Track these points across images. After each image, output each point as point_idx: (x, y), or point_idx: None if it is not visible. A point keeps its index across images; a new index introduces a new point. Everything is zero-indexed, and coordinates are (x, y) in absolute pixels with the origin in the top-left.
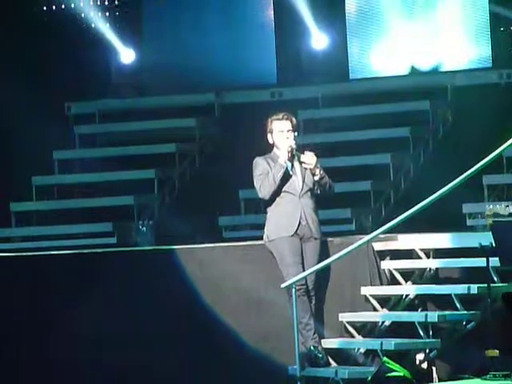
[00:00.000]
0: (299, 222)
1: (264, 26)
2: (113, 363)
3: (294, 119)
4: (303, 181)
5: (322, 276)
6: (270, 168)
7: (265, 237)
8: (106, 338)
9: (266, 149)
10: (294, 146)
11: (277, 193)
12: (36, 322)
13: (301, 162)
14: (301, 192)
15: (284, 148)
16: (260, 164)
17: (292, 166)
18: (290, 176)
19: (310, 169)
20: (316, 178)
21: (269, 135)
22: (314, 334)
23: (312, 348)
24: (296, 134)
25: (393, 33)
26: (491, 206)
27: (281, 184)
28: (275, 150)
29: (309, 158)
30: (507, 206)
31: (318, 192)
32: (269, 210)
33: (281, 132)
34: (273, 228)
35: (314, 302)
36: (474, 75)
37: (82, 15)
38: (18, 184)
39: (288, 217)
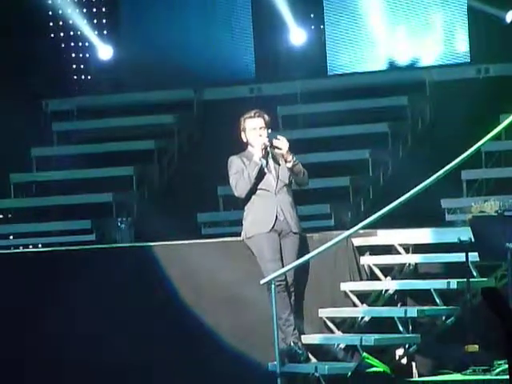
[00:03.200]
0: (276, 218)
1: (242, 22)
2: (90, 361)
3: (266, 116)
4: (278, 177)
5: (302, 272)
6: (244, 166)
7: (243, 234)
8: (84, 336)
9: (245, 145)
10: (268, 144)
11: (252, 190)
12: (13, 320)
13: (274, 159)
14: (276, 188)
15: (258, 146)
16: (234, 163)
17: (267, 162)
18: (265, 173)
19: (283, 154)
20: (289, 164)
21: (242, 133)
22: (294, 329)
23: (292, 344)
24: (269, 130)
25: (371, 28)
26: (479, 203)
27: (256, 182)
28: (249, 147)
29: (281, 142)
30: (490, 201)
31: (293, 182)
32: (245, 207)
33: (253, 130)
34: (250, 225)
35: (293, 297)
36: (453, 70)
37: (60, 11)
38: None
39: (264, 213)
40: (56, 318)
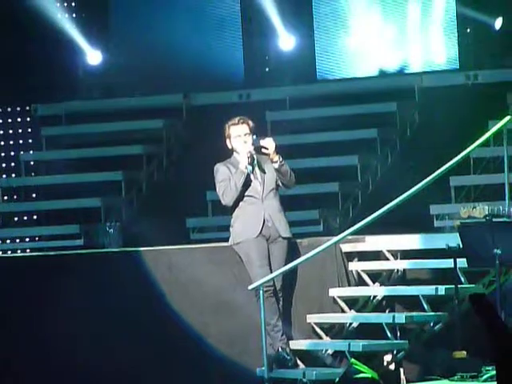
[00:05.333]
0: (263, 224)
1: (232, 28)
2: (78, 366)
3: (250, 122)
4: (264, 183)
5: (290, 277)
6: (230, 174)
7: (231, 240)
8: (72, 341)
9: (231, 152)
10: (253, 152)
11: (239, 198)
12: (1, 325)
13: (260, 167)
14: (262, 194)
15: (243, 153)
16: (220, 170)
17: (253, 168)
18: (251, 181)
19: (269, 154)
20: (276, 165)
21: (227, 140)
22: (282, 335)
23: (280, 350)
24: (254, 136)
25: (360, 34)
26: (466, 208)
27: (242, 189)
28: (235, 154)
29: (268, 143)
30: (479, 206)
31: (280, 183)
32: (233, 213)
33: (238, 137)
34: (238, 231)
35: (281, 303)
36: (441, 76)
37: (49, 16)
38: None
39: (252, 220)
40: (44, 323)
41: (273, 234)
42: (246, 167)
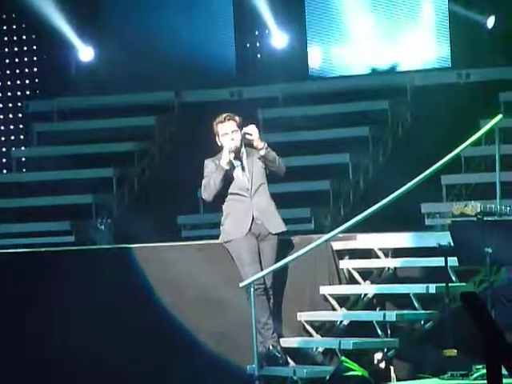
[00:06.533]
0: (252, 221)
1: (224, 25)
2: (67, 362)
3: (237, 118)
4: (252, 179)
5: (281, 275)
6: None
7: (221, 238)
8: (63, 336)
9: (220, 148)
10: (239, 148)
11: (220, 195)
12: None
13: (244, 165)
14: (251, 191)
15: (226, 150)
16: (208, 166)
17: (241, 164)
18: (233, 178)
19: (254, 141)
20: (262, 152)
21: (216, 138)
22: (273, 333)
23: (271, 347)
24: (243, 132)
25: (353, 32)
26: (458, 205)
27: (224, 186)
28: (224, 151)
29: (251, 129)
30: (471, 204)
31: (269, 172)
32: (223, 211)
33: (226, 134)
34: (227, 229)
35: (272, 301)
36: (433, 75)
37: (41, 13)
38: None
39: (241, 218)
40: (34, 320)
41: (262, 231)
42: (228, 164)
